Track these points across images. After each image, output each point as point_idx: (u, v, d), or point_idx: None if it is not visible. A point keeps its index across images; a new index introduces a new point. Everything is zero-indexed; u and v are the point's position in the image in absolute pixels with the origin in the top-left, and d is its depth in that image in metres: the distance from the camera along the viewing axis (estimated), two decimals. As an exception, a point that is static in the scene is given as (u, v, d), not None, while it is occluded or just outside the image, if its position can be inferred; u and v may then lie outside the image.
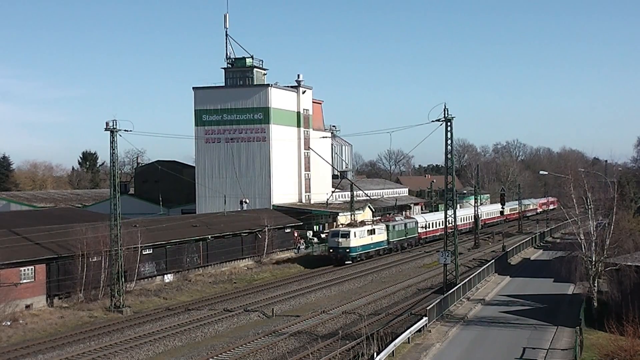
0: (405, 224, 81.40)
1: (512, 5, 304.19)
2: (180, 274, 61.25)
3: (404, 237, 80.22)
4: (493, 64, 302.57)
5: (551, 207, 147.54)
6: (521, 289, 53.25)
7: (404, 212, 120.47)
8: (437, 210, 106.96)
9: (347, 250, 67.89)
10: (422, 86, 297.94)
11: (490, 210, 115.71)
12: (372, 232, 72.19)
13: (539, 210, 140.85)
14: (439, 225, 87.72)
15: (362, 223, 73.26)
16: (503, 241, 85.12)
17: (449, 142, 51.21)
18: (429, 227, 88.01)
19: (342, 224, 74.62)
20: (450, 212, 53.87)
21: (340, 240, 68.00)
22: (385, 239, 75.13)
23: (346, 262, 67.50)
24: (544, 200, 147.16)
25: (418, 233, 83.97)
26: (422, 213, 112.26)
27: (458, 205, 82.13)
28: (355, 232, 68.90)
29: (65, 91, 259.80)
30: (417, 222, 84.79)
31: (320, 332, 41.00)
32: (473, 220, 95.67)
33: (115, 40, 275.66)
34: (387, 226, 76.03)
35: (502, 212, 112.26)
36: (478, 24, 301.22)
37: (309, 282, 58.52)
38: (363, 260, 70.02)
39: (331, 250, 69.06)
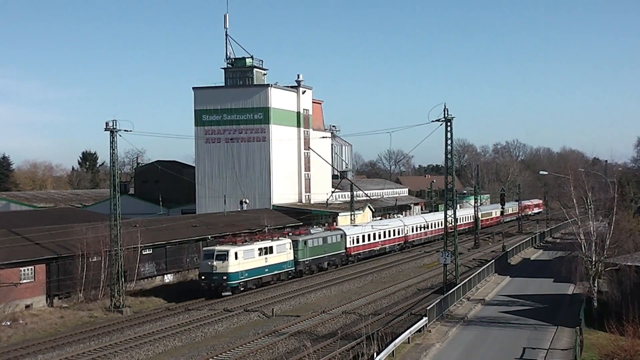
0: (325, 238, 64.33)
1: (512, 5, 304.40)
2: (180, 274, 61.24)
3: (323, 255, 63.67)
4: (493, 63, 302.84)
5: (535, 210, 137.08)
6: (521, 289, 53.25)
7: (404, 212, 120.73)
8: (437, 210, 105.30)
9: (225, 278, 50.61)
10: (422, 86, 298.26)
11: (467, 214, 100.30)
12: (266, 250, 54.98)
13: (521, 214, 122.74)
14: (378, 238, 75.19)
15: (252, 238, 56.74)
16: (503, 241, 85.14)
17: (449, 142, 51.21)
18: (362, 241, 71.91)
19: (218, 245, 54.35)
20: (446, 212, 53.79)
21: (215, 263, 50.81)
22: (291, 258, 58.23)
23: (223, 294, 50.64)
24: (525, 203, 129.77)
25: (346, 248, 68.01)
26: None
27: (458, 206, 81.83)
28: (236, 252, 51.53)
29: (65, 91, 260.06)
30: (344, 235, 68.01)
31: (320, 332, 41.02)
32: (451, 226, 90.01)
33: (115, 40, 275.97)
34: (296, 242, 59.26)
35: (502, 213, 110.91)
36: (478, 24, 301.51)
37: (309, 282, 58.50)
38: (252, 289, 53.28)
39: (203, 277, 51.48)
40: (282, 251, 57.18)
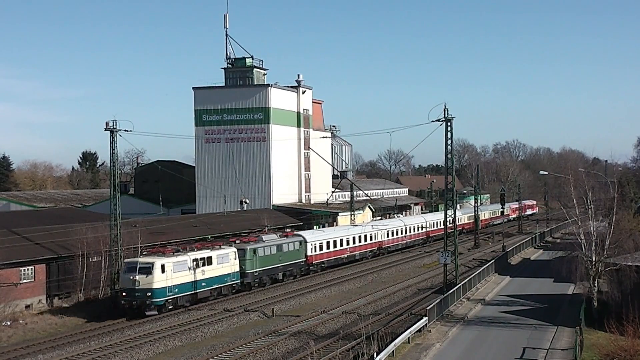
0: (280, 246, 57.44)
1: (512, 5, 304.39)
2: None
3: (277, 265, 56.85)
4: (493, 63, 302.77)
5: (529, 212, 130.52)
6: (521, 289, 53.26)
7: (404, 212, 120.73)
8: (438, 210, 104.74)
9: (149, 295, 43.71)
10: (422, 86, 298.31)
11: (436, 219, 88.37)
12: (204, 261, 48.26)
13: (512, 216, 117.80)
14: (347, 244, 68.25)
15: (186, 248, 49.24)
16: (503, 241, 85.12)
17: (449, 142, 51.18)
18: (326, 248, 64.91)
19: (139, 257, 47.68)
20: (446, 212, 53.73)
21: (137, 277, 43.92)
22: (236, 270, 51.49)
23: (148, 314, 44.00)
24: (517, 204, 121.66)
25: (306, 257, 61.39)
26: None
27: (458, 206, 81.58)
28: (163, 265, 44.65)
29: (65, 91, 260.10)
30: (303, 242, 61.22)
31: (320, 332, 41.02)
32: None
33: (115, 40, 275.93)
34: (243, 251, 52.76)
35: (502, 213, 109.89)
36: (478, 24, 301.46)
37: (309, 282, 58.51)
38: (186, 307, 46.54)
39: (124, 294, 44.29)
40: (225, 262, 50.41)
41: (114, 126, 48.69)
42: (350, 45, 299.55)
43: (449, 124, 50.48)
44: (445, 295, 45.11)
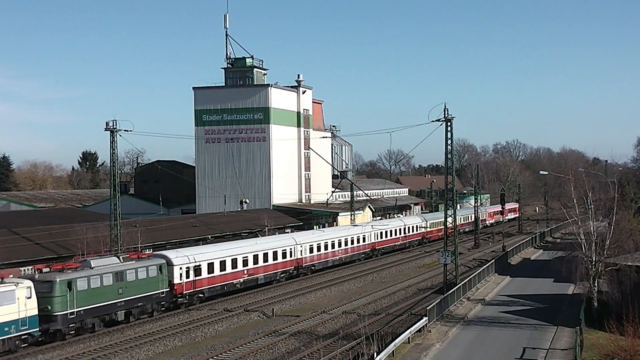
0: (120, 274, 40.69)
1: (512, 6, 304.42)
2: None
3: (116, 300, 40.38)
4: (493, 64, 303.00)
5: (510, 215, 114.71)
6: (521, 289, 53.25)
7: (404, 212, 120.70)
8: (439, 209, 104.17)
9: None
10: (422, 86, 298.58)
11: (396, 225, 78.38)
12: None
13: (490, 221, 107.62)
14: (243, 265, 51.71)
15: None
16: (503, 241, 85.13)
17: (449, 142, 51.18)
18: (207, 272, 48.07)
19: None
20: (446, 212, 53.71)
21: None
22: (31, 314, 35.00)
23: None
24: (495, 208, 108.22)
25: (171, 286, 45.06)
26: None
27: (458, 206, 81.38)
28: None
29: (65, 91, 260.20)
30: (166, 265, 44.60)
31: (320, 332, 41.00)
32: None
33: (115, 40, 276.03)
34: (49, 284, 36.58)
35: (501, 214, 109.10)
36: (478, 24, 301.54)
37: (309, 282, 58.50)
38: None
39: None
40: (4, 303, 33.61)
41: (114, 126, 48.79)
42: (350, 46, 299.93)
43: (449, 124, 50.47)
44: (445, 295, 45.08)
